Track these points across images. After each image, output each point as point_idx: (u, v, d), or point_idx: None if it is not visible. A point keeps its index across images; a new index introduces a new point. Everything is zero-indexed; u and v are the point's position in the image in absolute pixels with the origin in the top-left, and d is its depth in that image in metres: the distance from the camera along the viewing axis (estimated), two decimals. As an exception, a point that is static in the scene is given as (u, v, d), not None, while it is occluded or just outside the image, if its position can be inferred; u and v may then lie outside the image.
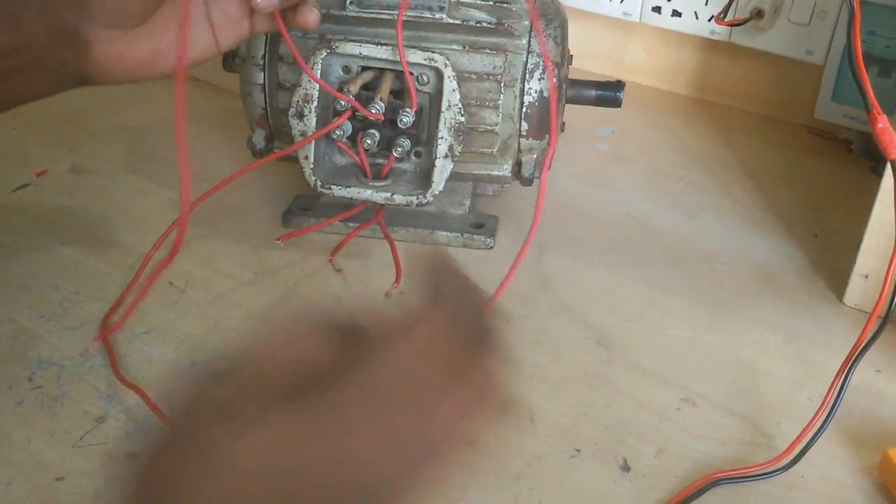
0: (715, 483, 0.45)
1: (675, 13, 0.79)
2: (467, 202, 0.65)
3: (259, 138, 0.63)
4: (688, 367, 0.53)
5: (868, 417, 0.50)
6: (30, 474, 0.45)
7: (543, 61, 0.58)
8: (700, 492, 0.45)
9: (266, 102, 0.61)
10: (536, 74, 0.59)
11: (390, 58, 0.57)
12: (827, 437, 0.46)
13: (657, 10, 0.80)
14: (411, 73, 0.56)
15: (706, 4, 0.78)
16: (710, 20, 0.78)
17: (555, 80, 0.58)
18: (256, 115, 0.62)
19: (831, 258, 0.63)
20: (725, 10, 0.71)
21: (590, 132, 0.79)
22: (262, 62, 0.60)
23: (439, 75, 0.57)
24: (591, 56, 0.89)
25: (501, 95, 0.58)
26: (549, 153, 0.58)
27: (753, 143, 0.78)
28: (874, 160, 0.74)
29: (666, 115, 0.83)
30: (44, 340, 0.54)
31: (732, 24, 0.74)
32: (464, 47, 0.58)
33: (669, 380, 0.52)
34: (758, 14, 0.74)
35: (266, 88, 0.61)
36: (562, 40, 0.60)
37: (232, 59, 0.62)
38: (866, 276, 0.57)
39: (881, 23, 0.70)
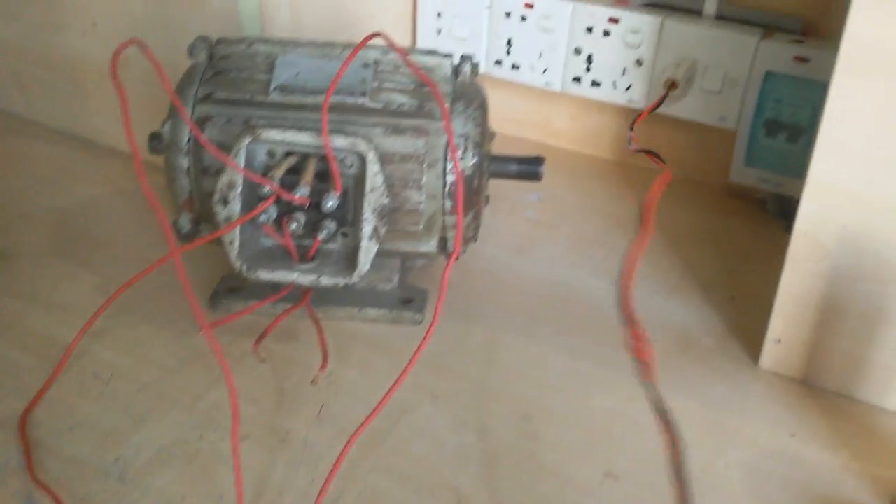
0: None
1: (595, 83, 0.82)
2: (395, 277, 0.66)
3: (185, 221, 0.63)
4: (611, 439, 0.55)
5: (783, 483, 0.52)
6: (-54, 586, 0.44)
7: (450, 149, 0.59)
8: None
9: (192, 187, 0.62)
10: (458, 154, 0.60)
11: (314, 143, 0.58)
12: (742, 503, 0.48)
13: (577, 80, 0.83)
14: (335, 157, 0.58)
15: (623, 74, 0.81)
16: (627, 90, 0.81)
17: (472, 159, 0.60)
18: (182, 198, 0.62)
19: (747, 321, 0.65)
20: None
21: (518, 198, 0.81)
22: (186, 147, 0.61)
23: (362, 159, 0.58)
24: (519, 122, 0.91)
25: (424, 175, 0.60)
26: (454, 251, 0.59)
27: (673, 205, 0.81)
28: (788, 220, 0.77)
29: (590, 180, 0.85)
30: (-37, 439, 0.53)
31: (650, 111, 0.77)
32: (386, 130, 0.60)
33: (593, 453, 0.53)
34: (672, 85, 0.77)
35: (191, 173, 0.61)
36: (482, 120, 0.62)
37: (157, 142, 0.62)
38: (779, 341, 0.59)
39: (787, 91, 0.74)
